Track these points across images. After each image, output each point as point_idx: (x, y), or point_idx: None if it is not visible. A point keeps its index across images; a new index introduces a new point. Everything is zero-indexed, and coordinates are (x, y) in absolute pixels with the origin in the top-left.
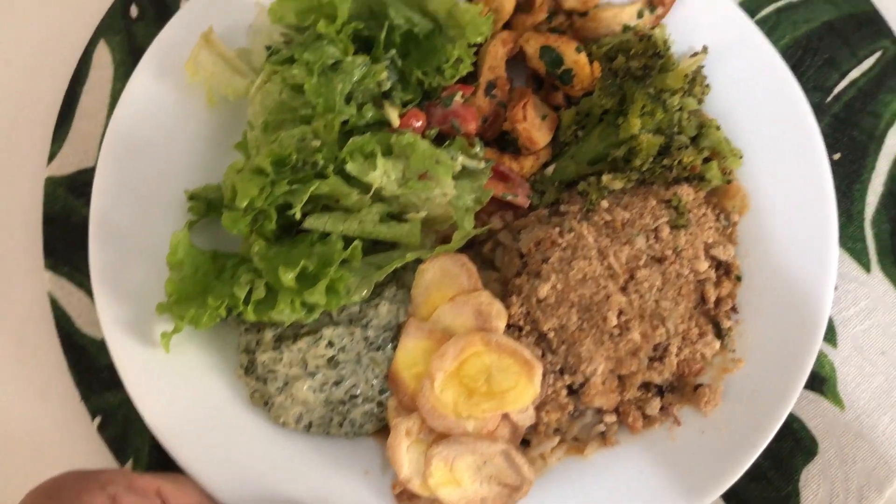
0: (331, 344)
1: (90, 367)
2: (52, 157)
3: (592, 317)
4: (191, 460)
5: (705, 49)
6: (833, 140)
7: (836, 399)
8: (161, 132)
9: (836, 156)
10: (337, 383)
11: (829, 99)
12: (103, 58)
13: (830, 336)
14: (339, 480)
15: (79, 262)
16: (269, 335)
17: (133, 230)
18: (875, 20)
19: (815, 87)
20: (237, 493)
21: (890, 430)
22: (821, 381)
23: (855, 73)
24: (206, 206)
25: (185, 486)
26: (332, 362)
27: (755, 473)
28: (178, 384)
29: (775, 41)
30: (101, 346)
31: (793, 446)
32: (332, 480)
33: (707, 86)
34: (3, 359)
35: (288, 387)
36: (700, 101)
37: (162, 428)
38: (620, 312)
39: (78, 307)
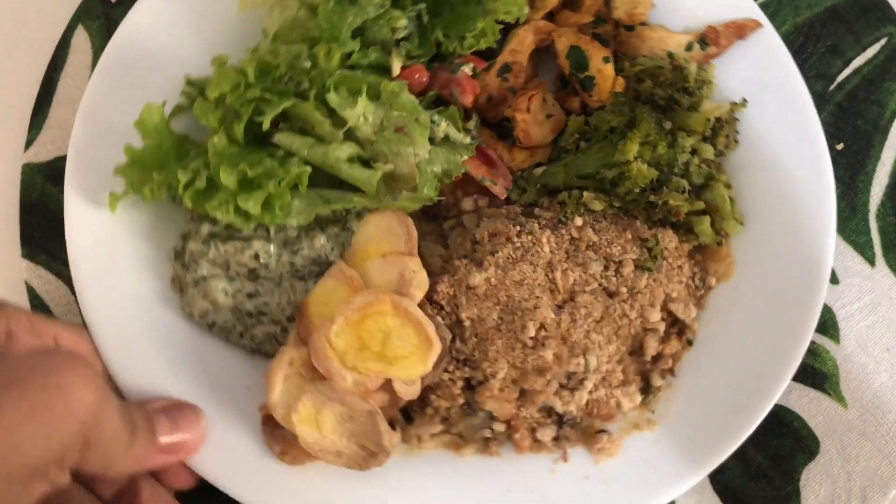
0: (256, 257)
1: None
2: (28, 143)
3: (513, 321)
4: (104, 337)
5: (744, 102)
6: (836, 130)
7: (838, 397)
8: (174, 38)
9: (840, 146)
10: (250, 296)
11: (832, 87)
12: (81, 43)
13: (833, 332)
14: (222, 388)
15: (56, 250)
16: (205, 229)
17: (120, 119)
18: (880, 6)
19: (817, 76)
20: (131, 371)
21: (894, 429)
22: (823, 379)
23: (859, 61)
24: (199, 95)
25: (82, 338)
26: (253, 274)
27: (755, 472)
28: (117, 261)
29: (776, 27)
30: None
31: (793, 445)
32: (216, 386)
33: (735, 141)
34: None
35: (204, 282)
36: (719, 154)
37: (86, 297)
38: (542, 327)
39: (56, 296)
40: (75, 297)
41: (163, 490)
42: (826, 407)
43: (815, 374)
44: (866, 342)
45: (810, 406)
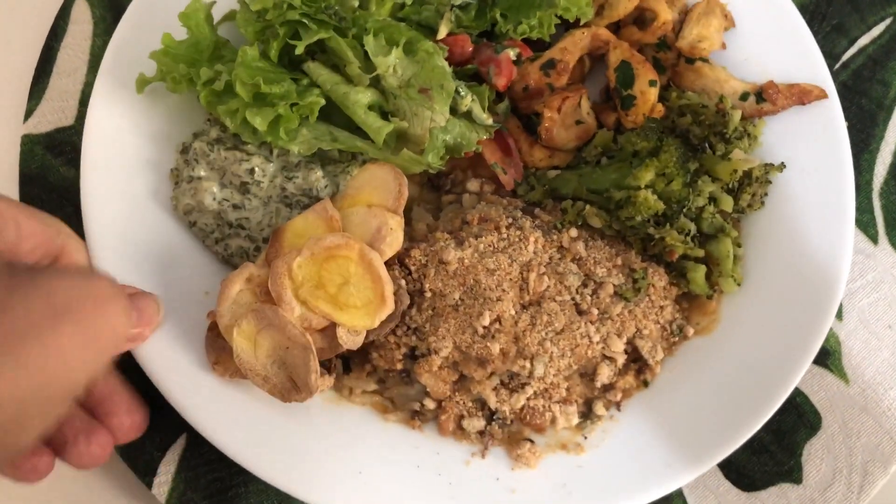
0: (252, 172)
1: None
2: (28, 114)
3: (473, 306)
4: (92, 216)
5: (781, 167)
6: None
7: (840, 373)
8: None
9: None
10: (235, 207)
11: (836, 66)
12: (82, 13)
13: (836, 309)
14: (184, 286)
15: None
16: (214, 132)
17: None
18: None
19: (822, 54)
20: (108, 250)
21: None
22: (825, 355)
23: (864, 40)
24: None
25: (42, 221)
26: (244, 188)
27: (757, 447)
28: (126, 147)
29: None
30: None
31: (796, 420)
32: (179, 284)
33: (761, 203)
34: None
35: (197, 181)
36: (740, 210)
37: (88, 179)
38: (498, 320)
39: None
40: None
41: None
42: (828, 383)
43: (819, 350)
44: (868, 319)
45: (812, 382)
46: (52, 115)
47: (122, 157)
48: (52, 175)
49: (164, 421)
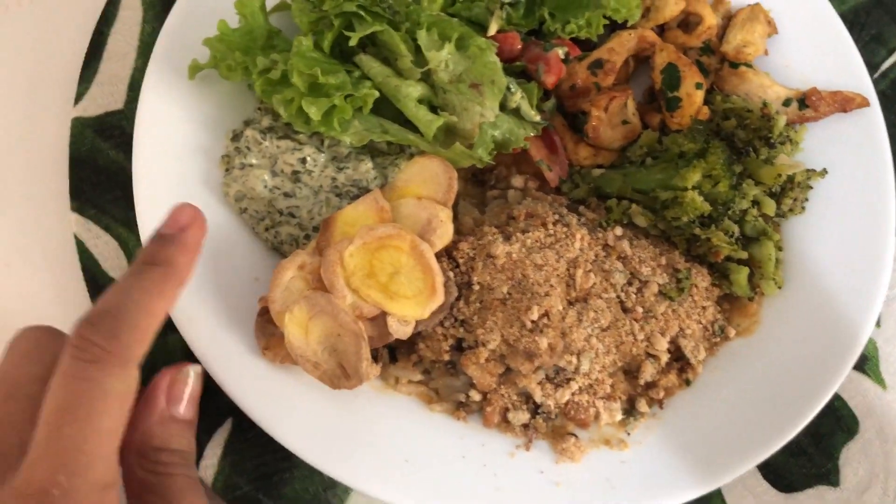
0: (304, 161)
1: None
2: (78, 97)
3: (521, 300)
4: (142, 198)
5: (823, 172)
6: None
7: (878, 378)
8: None
9: None
10: (286, 195)
11: (875, 75)
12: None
13: (876, 316)
14: (234, 271)
15: (106, 204)
16: (266, 120)
17: (216, 4)
18: None
19: None
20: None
21: None
22: (863, 360)
23: None
24: None
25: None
26: (295, 176)
27: (795, 449)
28: (178, 131)
29: None
30: None
31: (833, 424)
32: (230, 269)
33: (802, 208)
34: (31, 298)
35: (250, 168)
36: (781, 214)
37: (139, 164)
38: (546, 315)
39: (105, 250)
40: (124, 251)
41: None
42: (866, 388)
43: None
44: None
45: (850, 386)
46: (102, 98)
47: (172, 143)
48: (102, 158)
49: (210, 405)
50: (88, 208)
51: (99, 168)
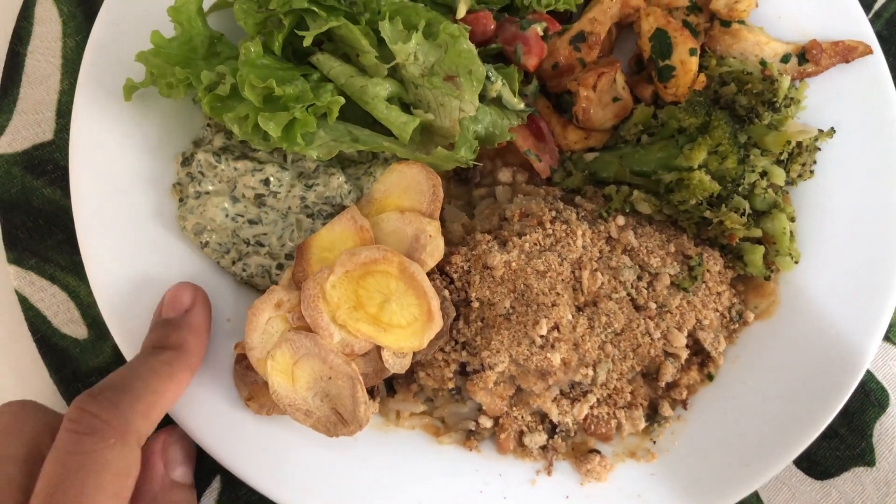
0: (267, 182)
1: (75, 373)
2: None
3: (526, 314)
4: (89, 245)
5: (831, 132)
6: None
7: None
8: None
9: None
10: (252, 222)
11: (869, 16)
12: (47, 11)
13: None
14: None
15: (47, 251)
16: (218, 139)
17: (145, 10)
18: None
19: None
20: (112, 286)
21: None
22: (888, 327)
23: None
24: None
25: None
26: (259, 200)
27: (826, 431)
28: (118, 165)
29: None
30: (84, 347)
31: (863, 399)
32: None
33: (811, 172)
34: None
35: (206, 196)
36: (790, 182)
37: (80, 205)
38: (556, 327)
39: (52, 304)
40: (75, 303)
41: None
42: (892, 356)
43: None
44: None
45: (876, 357)
46: (27, 130)
47: (114, 174)
48: (36, 198)
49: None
50: (27, 258)
51: (34, 210)
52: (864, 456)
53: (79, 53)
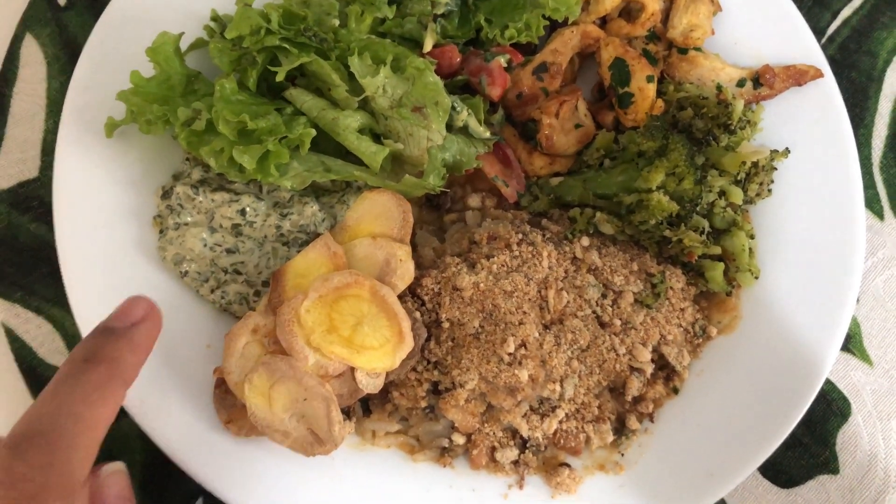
0: (243, 212)
1: None
2: None
3: (494, 332)
4: (73, 277)
5: (786, 152)
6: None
7: (863, 355)
8: None
9: None
10: (230, 251)
11: (822, 41)
12: (33, 54)
13: (858, 287)
14: (182, 341)
15: (33, 284)
16: (197, 172)
17: (131, 51)
18: None
19: None
20: (93, 310)
21: None
22: (846, 338)
23: (846, 12)
24: (222, 32)
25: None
26: (236, 230)
27: (790, 441)
28: (101, 198)
29: None
30: None
31: (825, 409)
32: (178, 334)
33: (768, 191)
34: None
35: (185, 227)
36: (748, 201)
37: (64, 237)
38: (523, 344)
39: (38, 335)
40: (60, 333)
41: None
42: (852, 367)
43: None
44: (884, 297)
45: (837, 367)
46: (13, 168)
47: (97, 208)
48: (22, 234)
49: (175, 487)
50: (14, 291)
51: (20, 246)
52: (828, 464)
53: (63, 93)
